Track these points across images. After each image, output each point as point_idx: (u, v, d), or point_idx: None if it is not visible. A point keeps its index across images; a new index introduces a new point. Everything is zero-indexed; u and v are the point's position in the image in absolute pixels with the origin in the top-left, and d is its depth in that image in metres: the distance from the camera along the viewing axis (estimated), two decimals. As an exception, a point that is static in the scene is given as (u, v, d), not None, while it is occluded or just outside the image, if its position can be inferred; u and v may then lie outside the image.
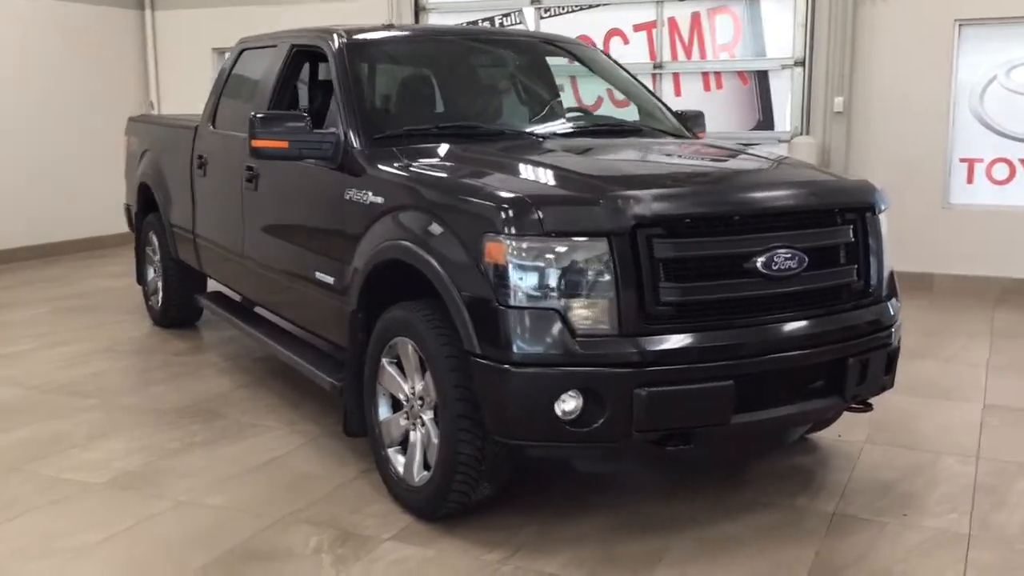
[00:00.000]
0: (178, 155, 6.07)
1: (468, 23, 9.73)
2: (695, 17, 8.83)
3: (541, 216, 3.21)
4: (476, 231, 3.31)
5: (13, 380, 5.56)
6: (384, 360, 3.78)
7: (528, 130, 4.24)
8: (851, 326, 3.59)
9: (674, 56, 8.97)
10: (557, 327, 3.19)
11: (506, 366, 3.20)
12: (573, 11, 9.28)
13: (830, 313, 3.55)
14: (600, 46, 9.14)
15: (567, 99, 5.31)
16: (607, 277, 3.18)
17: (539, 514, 3.72)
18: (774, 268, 3.37)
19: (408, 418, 3.70)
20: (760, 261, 3.35)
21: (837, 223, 3.62)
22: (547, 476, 4.12)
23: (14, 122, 9.62)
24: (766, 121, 8.75)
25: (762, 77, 8.72)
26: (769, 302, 3.42)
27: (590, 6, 9.20)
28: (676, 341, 3.24)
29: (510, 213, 3.24)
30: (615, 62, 5.35)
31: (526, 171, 3.69)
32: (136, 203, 6.98)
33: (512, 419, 3.25)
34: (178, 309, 6.66)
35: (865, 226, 3.71)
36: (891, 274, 3.91)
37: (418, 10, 9.92)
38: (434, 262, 3.45)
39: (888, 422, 4.78)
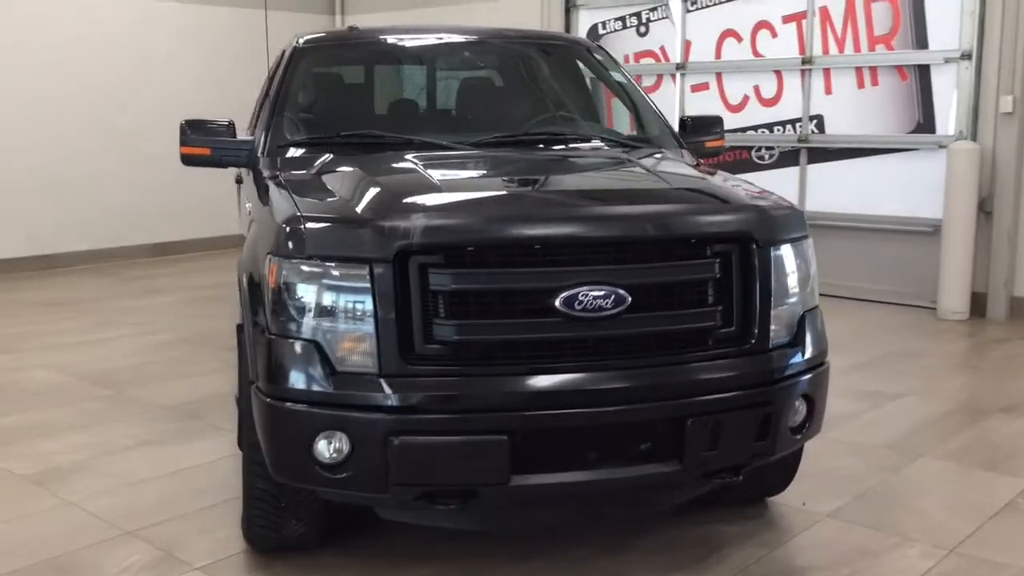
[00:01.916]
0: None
1: (615, 19, 9.34)
2: (850, 5, 7.86)
3: (306, 237, 2.93)
4: (263, 250, 3.10)
5: (62, 365, 5.99)
6: None
7: (442, 140, 3.89)
8: (697, 380, 2.99)
9: (825, 50, 8.03)
10: (316, 361, 2.89)
11: (268, 399, 2.95)
12: (720, 3, 8.59)
13: (669, 364, 2.98)
14: (747, 41, 8.42)
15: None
16: (368, 309, 2.84)
17: (371, 562, 3.43)
18: (578, 308, 2.86)
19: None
20: (561, 299, 2.85)
21: (688, 256, 3.02)
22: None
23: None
24: (927, 123, 7.62)
25: (923, 72, 7.60)
26: (573, 347, 2.91)
27: (738, -3, 8.49)
28: (442, 386, 2.84)
29: (284, 231, 2.97)
30: (599, 63, 4.81)
31: (360, 186, 3.30)
32: None
33: (273, 456, 3.00)
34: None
35: (744, 261, 3.07)
36: (801, 317, 3.22)
37: (569, 7, 9.63)
38: (244, 282, 3.27)
39: (888, 492, 3.99)
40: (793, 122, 8.29)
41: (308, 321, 2.90)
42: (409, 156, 3.64)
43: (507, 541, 3.56)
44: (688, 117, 4.66)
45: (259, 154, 3.95)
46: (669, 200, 3.28)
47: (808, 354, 3.21)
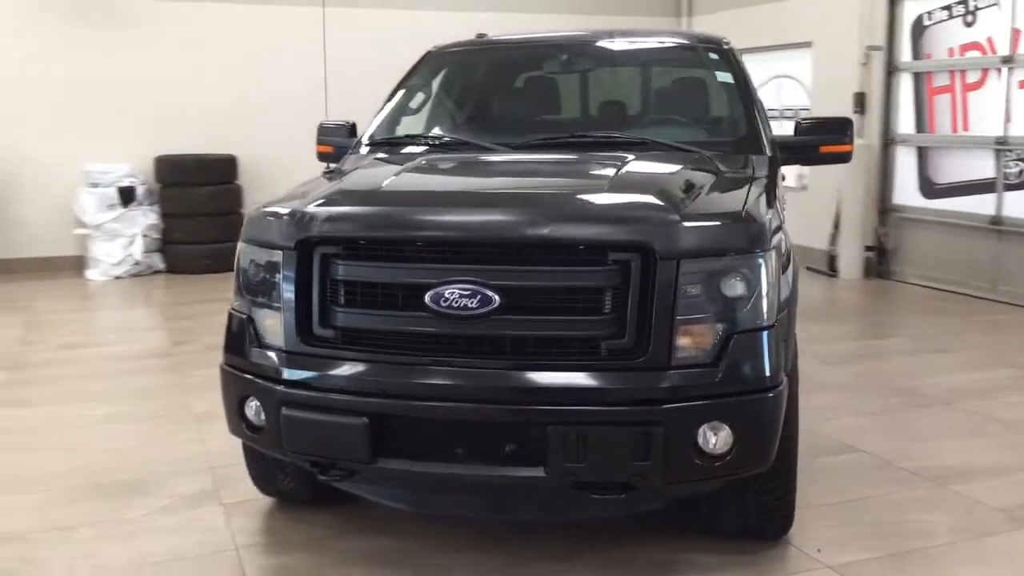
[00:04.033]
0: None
1: (941, 7, 8.44)
2: None
3: (249, 222, 3.36)
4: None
5: (119, 352, 6.63)
6: None
7: (489, 142, 4.02)
8: (562, 388, 2.90)
9: None
10: (247, 334, 3.30)
11: (221, 364, 3.42)
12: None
13: (536, 368, 2.93)
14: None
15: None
16: (280, 291, 3.18)
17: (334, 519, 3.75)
18: (443, 305, 2.95)
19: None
20: (430, 296, 2.96)
21: (572, 263, 2.94)
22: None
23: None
24: None
25: None
26: (439, 342, 3.00)
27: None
28: (321, 366, 3.10)
29: (246, 217, 3.44)
30: (712, 62, 4.55)
31: (323, 182, 3.67)
32: None
33: (226, 414, 3.44)
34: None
35: (644, 272, 2.92)
36: (729, 338, 2.94)
37: (892, 1, 8.87)
38: None
39: (938, 559, 3.46)
40: None
41: (246, 298, 3.33)
42: (423, 158, 3.90)
43: (451, 535, 3.68)
44: (805, 119, 4.29)
45: (348, 152, 4.41)
46: (570, 207, 3.19)
47: (732, 378, 2.95)
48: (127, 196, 9.43)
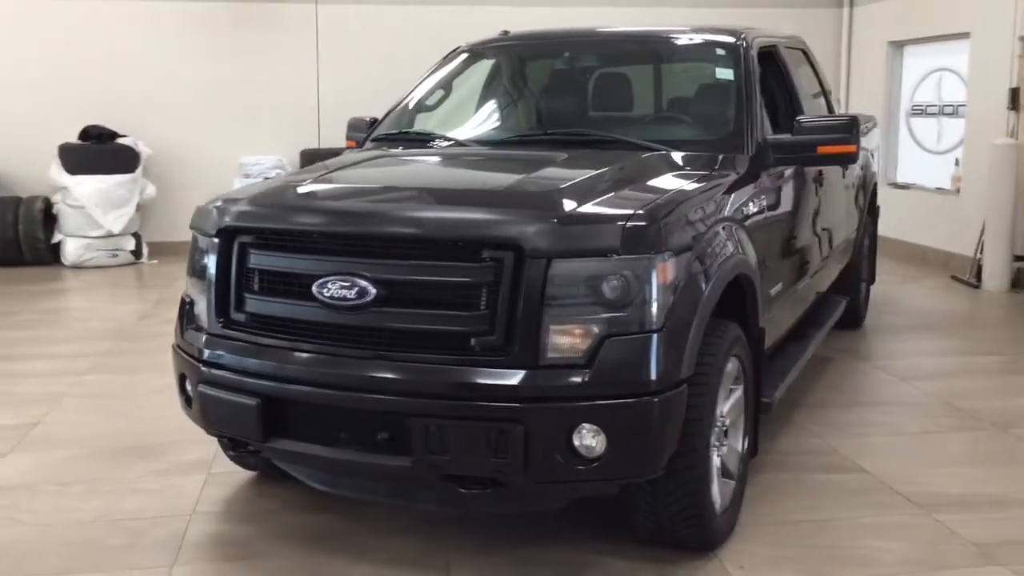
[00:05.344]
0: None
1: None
2: None
3: (198, 211, 3.62)
4: None
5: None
6: None
7: (466, 138, 4.15)
8: (424, 381, 2.97)
9: None
10: (186, 315, 3.56)
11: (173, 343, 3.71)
12: None
13: (404, 360, 3.01)
14: None
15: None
16: (208, 275, 3.42)
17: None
18: (326, 295, 3.08)
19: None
20: (316, 286, 3.11)
21: (445, 258, 3.01)
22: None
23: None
24: None
25: None
26: (323, 331, 3.13)
27: None
28: (227, 348, 3.31)
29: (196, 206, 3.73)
30: (719, 59, 4.39)
31: (295, 175, 3.96)
32: None
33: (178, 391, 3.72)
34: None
35: (516, 271, 2.92)
36: (603, 340, 2.91)
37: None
38: None
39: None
40: None
41: (189, 282, 3.60)
42: (381, 154, 4.08)
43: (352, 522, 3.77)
44: (803, 120, 4.08)
45: (359, 147, 4.62)
46: (451, 203, 3.23)
47: (605, 381, 2.91)
48: (275, 185, 10.12)
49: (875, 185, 6.82)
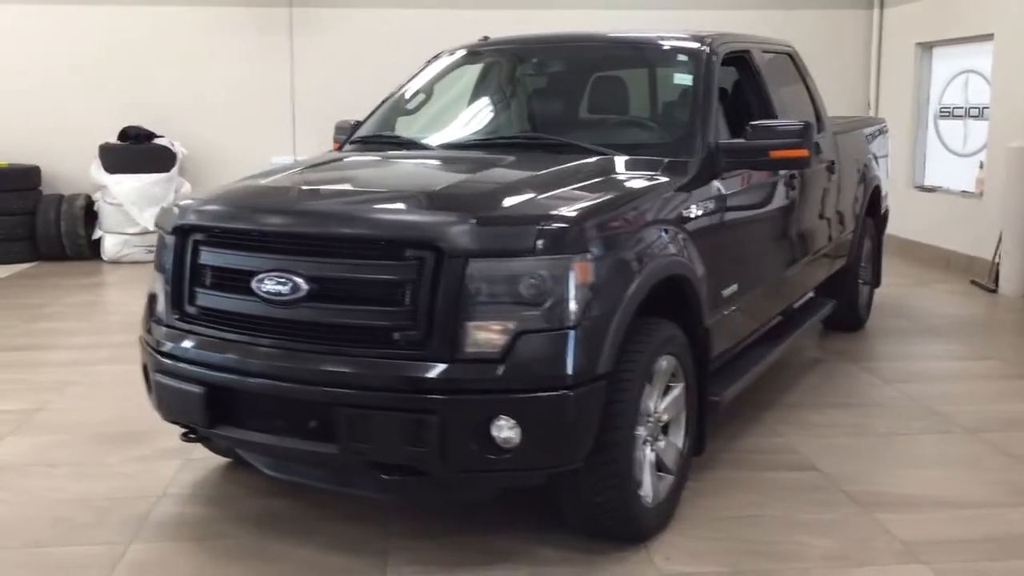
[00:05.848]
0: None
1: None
2: None
3: (162, 210, 3.85)
4: None
5: None
6: None
7: (429, 141, 4.36)
8: (347, 372, 3.15)
9: None
10: (150, 309, 3.78)
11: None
12: None
13: (330, 352, 3.19)
14: None
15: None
16: (167, 270, 3.64)
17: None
18: (263, 291, 3.28)
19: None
20: (255, 281, 3.31)
21: (369, 256, 3.18)
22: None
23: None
24: None
25: None
26: (261, 325, 3.33)
27: None
28: (178, 339, 3.53)
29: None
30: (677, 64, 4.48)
31: (254, 176, 4.18)
32: None
33: (145, 380, 3.95)
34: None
35: (436, 269, 3.09)
36: (518, 336, 3.06)
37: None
38: None
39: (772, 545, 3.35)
40: None
41: (153, 276, 3.82)
42: (348, 156, 4.28)
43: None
44: (755, 124, 4.16)
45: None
46: (377, 204, 3.42)
47: (519, 375, 3.06)
48: (304, 185, 10.45)
49: (876, 187, 6.82)
